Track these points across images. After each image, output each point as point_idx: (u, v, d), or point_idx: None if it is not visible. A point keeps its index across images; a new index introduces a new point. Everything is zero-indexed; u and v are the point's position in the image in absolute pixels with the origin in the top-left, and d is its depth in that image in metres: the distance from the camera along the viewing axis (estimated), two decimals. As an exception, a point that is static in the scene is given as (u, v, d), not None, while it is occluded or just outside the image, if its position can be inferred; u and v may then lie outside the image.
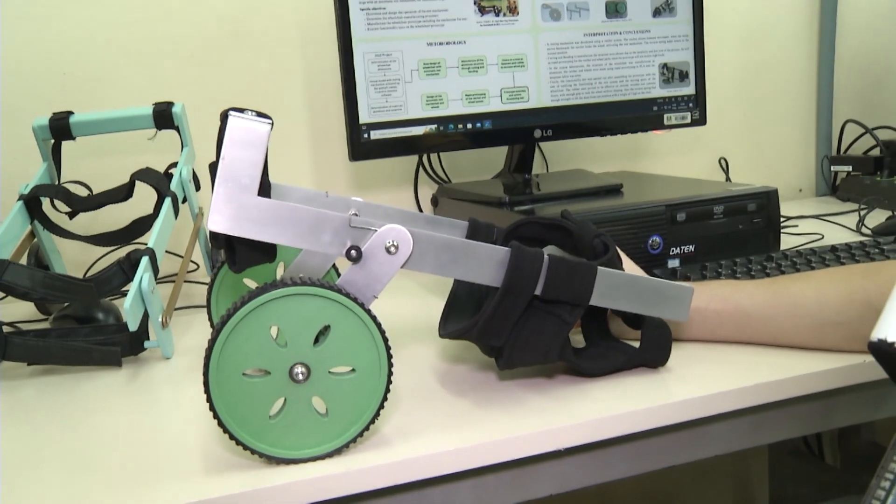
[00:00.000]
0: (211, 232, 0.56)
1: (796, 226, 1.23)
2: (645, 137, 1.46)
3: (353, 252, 0.57)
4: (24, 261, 0.95)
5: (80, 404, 0.73)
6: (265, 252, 0.60)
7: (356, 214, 0.60)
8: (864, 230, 1.18)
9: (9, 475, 0.59)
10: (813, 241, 1.11)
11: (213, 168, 0.56)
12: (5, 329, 0.80)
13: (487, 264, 0.61)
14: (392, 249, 0.58)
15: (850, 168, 1.47)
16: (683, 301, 0.67)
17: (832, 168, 1.52)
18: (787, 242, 1.07)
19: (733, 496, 1.66)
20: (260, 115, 0.55)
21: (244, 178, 0.54)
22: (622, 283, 0.65)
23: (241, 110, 0.55)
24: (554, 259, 0.62)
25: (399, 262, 0.58)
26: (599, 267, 0.64)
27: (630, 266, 0.74)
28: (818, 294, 0.70)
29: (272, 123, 0.55)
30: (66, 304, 0.91)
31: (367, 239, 0.57)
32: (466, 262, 0.61)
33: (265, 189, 0.57)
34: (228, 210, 0.55)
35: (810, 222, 1.27)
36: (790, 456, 1.59)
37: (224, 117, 0.55)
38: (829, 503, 1.26)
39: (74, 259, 1.12)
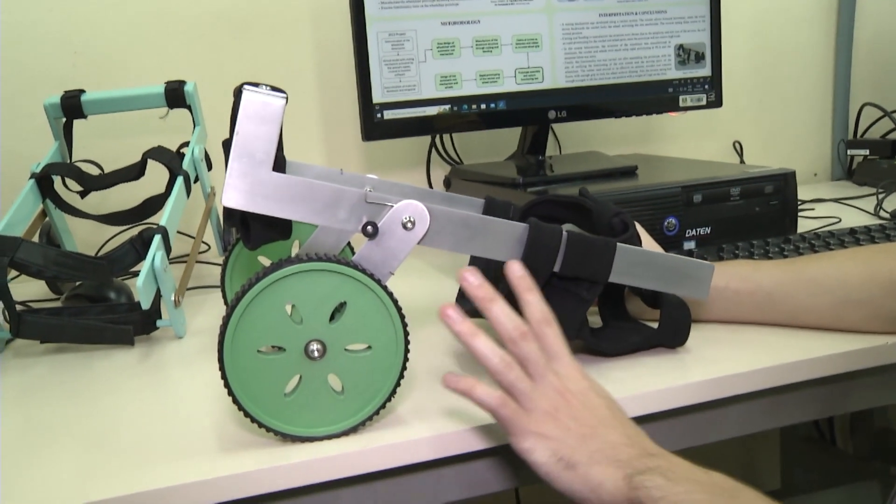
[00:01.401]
0: (225, 208, 0.55)
1: (813, 209, 1.21)
2: (658, 120, 1.44)
3: (369, 228, 0.56)
4: (35, 240, 0.95)
5: (93, 382, 0.72)
6: (280, 229, 0.59)
7: (372, 191, 0.59)
8: (882, 213, 1.17)
9: (21, 452, 0.59)
10: (830, 225, 1.10)
11: (227, 144, 0.55)
12: (18, 307, 0.80)
13: (505, 241, 0.60)
14: (409, 225, 0.57)
15: (866, 152, 1.45)
16: (704, 279, 0.66)
17: (848, 152, 1.50)
18: (803, 226, 1.06)
19: (744, 482, 1.65)
20: (275, 89, 0.54)
21: (259, 154, 0.54)
22: (641, 260, 0.64)
23: (256, 85, 0.54)
24: (573, 235, 0.61)
25: (416, 237, 0.57)
26: (618, 243, 0.63)
27: (650, 244, 0.73)
28: (839, 272, 0.69)
29: (287, 98, 0.54)
30: (77, 284, 0.91)
31: (384, 215, 0.57)
32: (484, 238, 0.60)
33: (280, 164, 0.57)
34: (243, 185, 0.54)
35: (827, 206, 1.25)
36: (802, 442, 1.58)
37: (238, 92, 0.54)
38: (841, 489, 1.26)
39: (85, 239, 1.11)
